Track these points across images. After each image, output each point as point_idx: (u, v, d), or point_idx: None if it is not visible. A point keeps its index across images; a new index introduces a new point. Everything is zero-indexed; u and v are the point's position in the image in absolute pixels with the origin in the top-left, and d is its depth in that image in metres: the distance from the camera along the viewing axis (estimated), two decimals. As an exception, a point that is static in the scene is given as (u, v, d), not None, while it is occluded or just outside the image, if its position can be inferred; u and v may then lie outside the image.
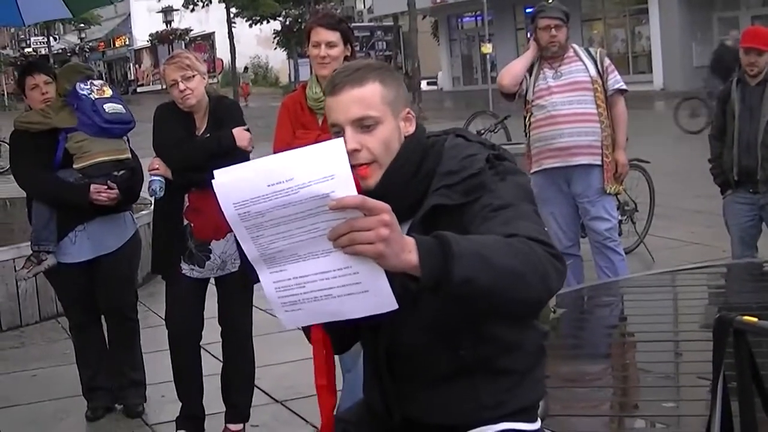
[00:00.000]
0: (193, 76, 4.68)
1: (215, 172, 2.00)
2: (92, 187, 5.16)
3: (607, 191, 6.36)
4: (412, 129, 2.43)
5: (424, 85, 36.39)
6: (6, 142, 19.38)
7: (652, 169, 9.26)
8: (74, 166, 5.22)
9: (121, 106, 5.32)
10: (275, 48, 51.22)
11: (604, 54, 6.47)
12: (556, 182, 6.36)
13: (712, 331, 2.47)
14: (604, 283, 5.96)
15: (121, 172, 5.26)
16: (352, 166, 1.97)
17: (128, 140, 5.44)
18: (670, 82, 31.63)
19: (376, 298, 1.99)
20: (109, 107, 5.22)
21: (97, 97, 5.21)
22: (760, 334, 2.56)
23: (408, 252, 1.94)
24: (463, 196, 2.30)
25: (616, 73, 6.38)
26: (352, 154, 2.23)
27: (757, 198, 6.18)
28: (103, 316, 5.58)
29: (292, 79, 47.61)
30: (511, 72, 6.41)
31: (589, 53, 6.39)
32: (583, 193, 6.36)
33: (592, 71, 6.26)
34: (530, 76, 6.37)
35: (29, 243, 5.43)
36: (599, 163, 6.27)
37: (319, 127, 4.59)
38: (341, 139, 2.00)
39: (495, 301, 2.03)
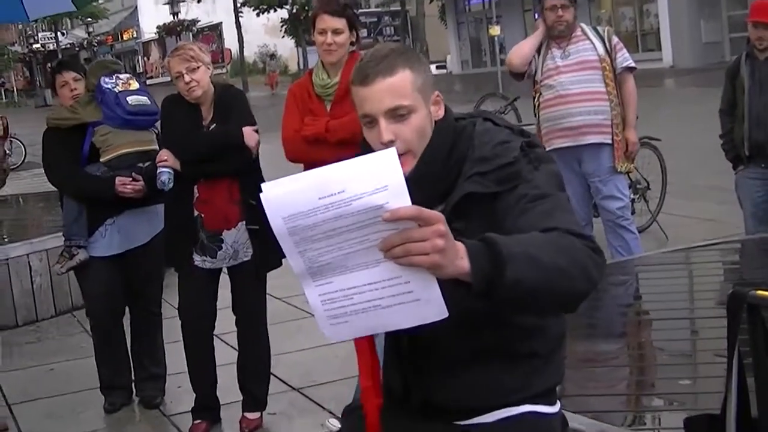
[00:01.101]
0: (198, 67, 4.69)
1: (263, 185, 1.93)
2: (117, 179, 5.19)
3: (618, 170, 6.34)
4: (442, 112, 2.41)
5: (433, 69, 36.23)
6: (18, 139, 19.44)
7: (663, 146, 9.22)
8: (100, 159, 5.25)
9: (145, 98, 5.34)
10: (283, 36, 51.17)
11: (611, 32, 6.45)
12: (566, 162, 6.31)
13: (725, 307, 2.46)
14: (617, 262, 5.95)
15: (147, 163, 5.24)
16: None
17: (157, 132, 5.45)
18: (679, 59, 31.48)
19: (427, 306, 1.95)
20: (132, 99, 5.24)
21: (120, 89, 5.24)
22: (774, 309, 2.54)
23: (460, 258, 1.91)
24: (497, 185, 2.28)
25: (624, 51, 6.35)
26: (387, 145, 2.21)
27: (769, 173, 6.15)
28: (127, 309, 5.61)
29: (301, 67, 47.57)
30: (520, 52, 6.40)
31: (597, 32, 6.37)
32: (594, 173, 6.34)
33: (600, 50, 6.24)
34: (539, 56, 6.35)
35: (43, 238, 5.43)
36: (609, 141, 6.25)
37: (328, 113, 4.59)
38: (393, 149, 1.92)
39: (540, 298, 2.03)
